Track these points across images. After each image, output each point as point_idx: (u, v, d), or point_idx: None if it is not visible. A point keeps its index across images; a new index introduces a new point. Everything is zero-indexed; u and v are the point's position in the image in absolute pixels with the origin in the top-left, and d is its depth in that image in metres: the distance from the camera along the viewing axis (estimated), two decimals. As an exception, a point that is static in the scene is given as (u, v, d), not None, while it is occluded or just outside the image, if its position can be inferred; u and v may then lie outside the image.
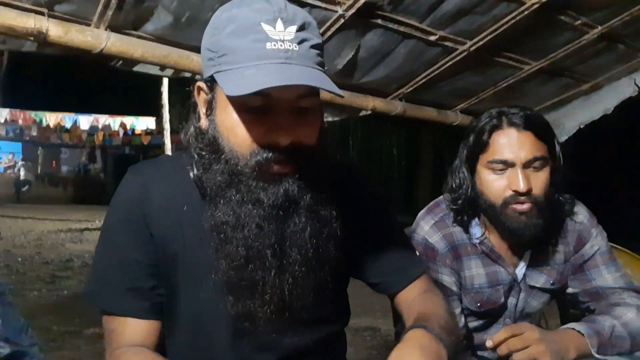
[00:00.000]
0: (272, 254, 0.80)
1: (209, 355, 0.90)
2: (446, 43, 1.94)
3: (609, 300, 1.24)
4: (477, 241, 1.26)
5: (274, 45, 0.75)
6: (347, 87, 2.09)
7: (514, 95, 2.44)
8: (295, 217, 0.80)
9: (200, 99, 0.87)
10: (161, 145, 10.25)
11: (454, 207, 1.27)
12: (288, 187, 0.79)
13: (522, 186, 1.15)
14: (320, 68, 0.80)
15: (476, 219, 1.28)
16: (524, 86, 2.41)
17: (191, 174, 0.87)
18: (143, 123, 10.75)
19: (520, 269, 1.29)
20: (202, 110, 0.86)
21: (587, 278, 1.29)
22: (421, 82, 2.19)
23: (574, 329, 1.10)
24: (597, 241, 1.29)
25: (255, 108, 0.78)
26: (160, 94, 8.77)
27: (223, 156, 0.81)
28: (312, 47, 0.79)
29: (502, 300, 1.27)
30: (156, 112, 9.87)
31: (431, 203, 1.36)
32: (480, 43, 1.94)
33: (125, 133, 12.04)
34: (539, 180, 1.18)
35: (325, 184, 0.84)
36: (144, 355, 0.85)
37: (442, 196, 1.35)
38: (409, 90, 2.25)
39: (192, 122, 0.88)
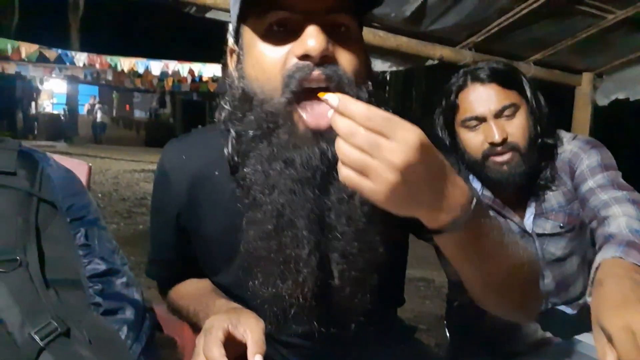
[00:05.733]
0: (307, 226, 0.68)
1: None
2: (523, -11, 1.84)
3: (602, 213, 1.10)
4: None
5: None
6: (414, 34, 2.05)
7: (594, 46, 2.29)
8: (339, 181, 0.64)
9: (232, 62, 0.80)
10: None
11: None
12: (326, 146, 0.66)
13: (496, 137, 1.17)
14: None
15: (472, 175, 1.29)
16: (605, 37, 2.24)
17: (225, 151, 0.78)
18: (210, 70, 10.96)
19: (528, 219, 1.30)
20: (234, 72, 0.78)
21: (583, 199, 1.20)
22: (493, 30, 2.10)
23: (609, 259, 0.86)
24: (586, 159, 1.22)
25: (280, 33, 0.68)
26: (225, 41, 8.89)
27: (254, 101, 0.70)
28: None
29: None
30: (222, 59, 10.03)
31: None
32: (561, -11, 1.83)
33: (193, 79, 12.35)
34: (514, 126, 1.19)
35: None
36: (189, 282, 0.98)
37: None
38: (479, 39, 2.17)
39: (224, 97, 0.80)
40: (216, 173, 0.81)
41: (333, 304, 0.74)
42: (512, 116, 1.20)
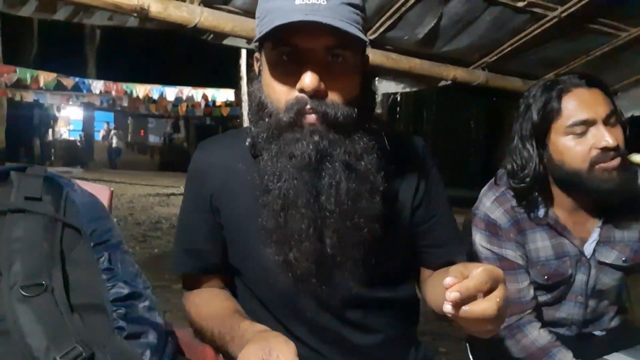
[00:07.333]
0: (305, 204, 0.82)
1: (272, 302, 0.96)
2: (535, 9, 1.86)
3: None
4: (541, 215, 1.23)
5: (303, 0, 0.79)
6: (427, 56, 2.07)
7: (608, 64, 2.29)
8: (330, 170, 0.82)
9: (257, 68, 0.94)
10: (239, 117, 10.63)
11: (519, 187, 1.22)
12: (318, 140, 0.81)
13: (611, 141, 1.10)
14: (351, 22, 0.80)
15: (540, 198, 1.23)
16: (619, 55, 2.25)
17: (246, 143, 0.93)
18: (223, 95, 11.13)
19: (590, 244, 1.24)
20: (258, 81, 0.92)
21: None
22: (506, 50, 2.12)
23: None
24: None
25: (287, 63, 0.83)
26: (238, 67, 9.04)
27: (265, 111, 0.86)
28: (345, 3, 0.80)
29: (570, 272, 1.24)
30: (235, 85, 10.22)
31: (494, 178, 1.32)
32: (573, 9, 1.84)
33: (207, 104, 12.54)
34: (620, 135, 1.13)
35: (368, 144, 0.85)
36: (210, 292, 1.02)
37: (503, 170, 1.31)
38: (492, 59, 2.19)
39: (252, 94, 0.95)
40: (243, 164, 0.95)
41: (329, 273, 0.88)
42: (614, 125, 1.14)
